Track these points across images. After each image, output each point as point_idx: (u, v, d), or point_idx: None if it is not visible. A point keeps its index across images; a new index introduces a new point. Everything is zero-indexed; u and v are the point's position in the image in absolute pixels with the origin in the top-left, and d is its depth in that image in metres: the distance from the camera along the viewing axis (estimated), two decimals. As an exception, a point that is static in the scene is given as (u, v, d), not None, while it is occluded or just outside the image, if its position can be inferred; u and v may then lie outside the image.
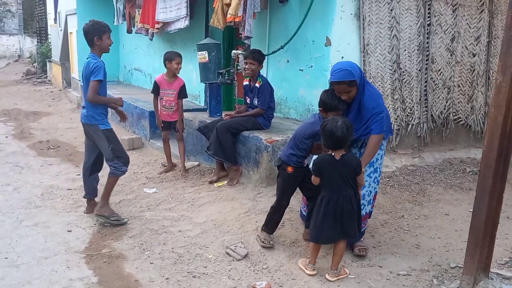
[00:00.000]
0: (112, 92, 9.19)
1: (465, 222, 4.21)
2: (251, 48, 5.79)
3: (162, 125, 5.75)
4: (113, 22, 9.81)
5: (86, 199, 4.61)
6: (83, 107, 4.40)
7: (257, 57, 5.04)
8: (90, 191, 4.57)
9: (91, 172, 4.53)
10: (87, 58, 4.26)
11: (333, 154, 3.19)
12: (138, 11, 8.52)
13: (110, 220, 4.26)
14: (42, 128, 9.02)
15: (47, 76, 16.69)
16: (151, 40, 8.57)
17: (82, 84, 4.64)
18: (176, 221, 4.33)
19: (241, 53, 5.57)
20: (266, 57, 6.00)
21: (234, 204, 4.57)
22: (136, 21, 8.63)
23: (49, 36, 16.94)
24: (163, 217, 4.43)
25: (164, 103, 5.66)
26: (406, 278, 3.30)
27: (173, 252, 3.74)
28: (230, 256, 3.63)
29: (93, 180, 4.58)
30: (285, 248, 3.73)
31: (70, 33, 11.95)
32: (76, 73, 11.74)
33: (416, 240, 3.97)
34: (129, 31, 9.25)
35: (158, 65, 9.38)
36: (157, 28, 7.81)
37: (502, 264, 3.45)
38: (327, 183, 3.23)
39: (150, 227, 4.23)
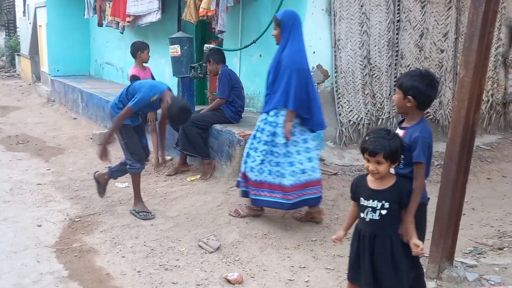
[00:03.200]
0: (83, 86, 9.05)
1: (433, 214, 4.32)
2: (220, 44, 5.83)
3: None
4: (84, 15, 9.66)
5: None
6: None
7: (211, 58, 5.12)
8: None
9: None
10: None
11: None
12: (109, 4, 8.39)
13: (138, 215, 4.26)
14: (11, 123, 8.80)
15: (15, 70, 16.27)
16: (122, 33, 8.46)
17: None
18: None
19: (215, 47, 5.57)
20: (239, 51, 6.03)
21: (207, 197, 4.58)
22: (107, 14, 8.51)
23: (17, 29, 16.51)
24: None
25: None
26: (374, 268, 3.39)
27: (145, 245, 3.74)
28: (203, 248, 3.65)
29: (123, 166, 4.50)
30: (257, 240, 3.77)
31: (40, 26, 11.67)
32: (45, 67, 11.49)
33: (384, 231, 4.06)
34: (100, 25, 9.09)
35: (130, 59, 9.21)
36: (128, 22, 7.71)
37: (467, 253, 3.57)
38: None
39: (122, 221, 4.20)
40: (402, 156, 2.45)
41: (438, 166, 5.63)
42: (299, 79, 3.69)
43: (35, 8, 11.94)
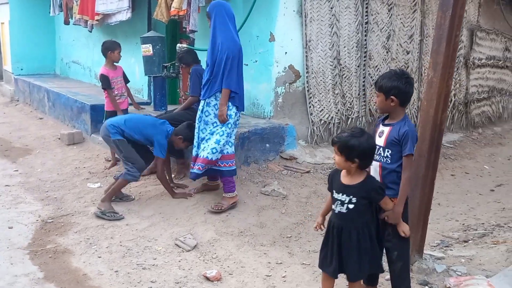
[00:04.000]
0: (49, 85, 8.85)
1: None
2: (192, 44, 5.85)
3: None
4: (49, 12, 9.44)
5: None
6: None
7: (183, 61, 5.16)
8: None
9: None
10: None
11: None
12: (76, 1, 8.23)
13: (106, 216, 4.21)
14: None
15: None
16: (91, 32, 8.32)
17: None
18: (123, 214, 4.29)
19: (187, 47, 5.57)
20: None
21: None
22: (74, 12, 8.35)
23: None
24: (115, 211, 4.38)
25: (116, 92, 5.54)
26: (348, 262, 3.50)
27: (121, 245, 3.73)
28: (180, 247, 3.68)
29: None
30: (233, 238, 3.82)
31: (2, 23, 11.33)
32: (8, 65, 11.16)
33: (356, 226, 4.20)
34: (67, 23, 8.91)
35: (98, 58, 9.11)
36: (97, 20, 7.60)
37: (434, 246, 3.74)
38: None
39: (96, 221, 4.16)
40: (389, 152, 2.62)
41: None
42: (238, 63, 4.14)
43: (-4, 5, 11.58)
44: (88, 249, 3.67)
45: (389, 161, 2.65)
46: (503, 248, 3.44)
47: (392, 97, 2.60)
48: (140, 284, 3.17)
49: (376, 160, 2.67)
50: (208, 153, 4.17)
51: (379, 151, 2.68)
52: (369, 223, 2.57)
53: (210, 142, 4.19)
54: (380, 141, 2.68)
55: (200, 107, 4.30)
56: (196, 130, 4.32)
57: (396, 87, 2.59)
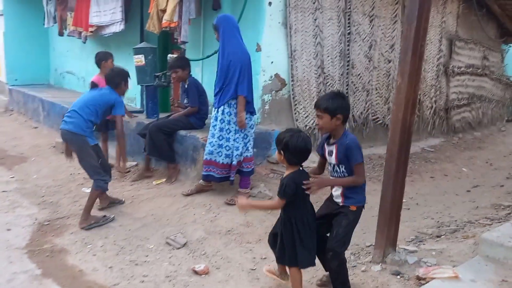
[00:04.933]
0: (44, 95, 9.07)
1: (377, 205, 4.76)
2: (183, 54, 6.09)
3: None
4: (43, 24, 9.70)
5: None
6: (68, 115, 4.42)
7: (177, 65, 5.35)
8: None
9: None
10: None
11: (301, 168, 2.95)
12: (70, 13, 8.51)
13: (101, 223, 4.34)
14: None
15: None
16: (84, 43, 8.58)
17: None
18: (117, 216, 4.52)
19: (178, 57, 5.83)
20: (201, 61, 6.32)
21: (173, 199, 4.83)
22: (68, 24, 8.61)
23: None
24: (103, 214, 4.59)
25: None
26: (328, 257, 3.75)
27: (115, 244, 3.95)
28: (170, 245, 3.91)
29: None
30: (221, 236, 4.05)
31: (-4, 34, 11.55)
32: (3, 75, 11.36)
33: (337, 225, 4.45)
34: (61, 34, 9.17)
35: (92, 68, 9.31)
36: (91, 32, 7.86)
37: (409, 241, 3.99)
38: (303, 202, 2.94)
39: (91, 223, 4.39)
40: (343, 167, 2.93)
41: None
42: (248, 71, 4.45)
43: (-9, 16, 11.80)
44: (83, 248, 3.89)
45: (347, 174, 2.94)
46: (471, 241, 3.69)
47: (338, 115, 2.86)
48: (133, 278, 3.40)
49: (336, 177, 3.00)
50: (235, 156, 4.58)
51: (335, 169, 2.99)
52: (292, 218, 2.91)
53: (233, 146, 4.57)
54: (332, 159, 2.98)
55: (214, 116, 4.61)
56: (213, 138, 4.61)
57: (340, 106, 2.88)
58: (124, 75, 4.73)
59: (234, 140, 4.58)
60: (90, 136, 4.41)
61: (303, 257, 2.93)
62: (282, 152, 2.86)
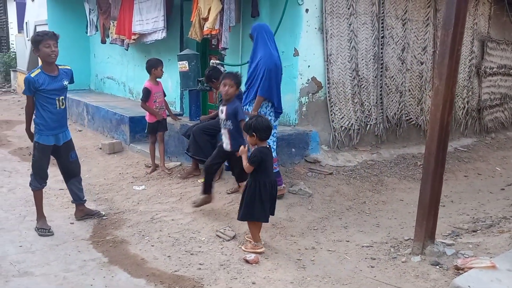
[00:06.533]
0: (87, 100, 9.56)
1: (417, 206, 4.97)
2: (224, 59, 6.41)
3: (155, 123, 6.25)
4: (85, 32, 10.21)
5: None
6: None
7: (212, 77, 5.67)
8: (73, 197, 4.84)
9: (65, 180, 4.87)
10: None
11: (268, 146, 3.96)
12: (113, 22, 8.96)
13: (38, 232, 4.37)
14: (18, 136, 9.23)
15: (10, 86, 16.66)
16: (127, 50, 9.02)
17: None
18: (168, 212, 4.87)
19: (220, 63, 6.16)
20: (239, 66, 6.64)
21: (218, 196, 5.14)
22: (111, 32, 9.07)
23: (11, 45, 16.92)
24: (156, 209, 4.96)
25: (157, 105, 6.21)
26: (368, 249, 4.00)
27: (169, 236, 4.29)
28: (220, 237, 4.22)
29: (72, 186, 4.84)
30: (266, 230, 4.34)
31: (40, 42, 12.15)
32: (47, 82, 11.93)
33: (376, 221, 4.70)
34: (103, 42, 9.66)
35: (132, 74, 9.84)
36: (134, 39, 8.28)
37: (446, 236, 4.20)
38: (267, 171, 3.89)
39: (145, 217, 4.75)
40: (230, 122, 4.63)
41: (421, 166, 6.29)
42: (271, 75, 4.75)
43: (35, 25, 12.46)
44: (141, 240, 4.24)
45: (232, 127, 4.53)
46: (507, 235, 3.88)
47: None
48: (191, 265, 3.72)
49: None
50: None
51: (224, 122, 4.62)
52: (257, 181, 3.88)
53: None
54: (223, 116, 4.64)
55: None
56: None
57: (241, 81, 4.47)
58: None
59: None
60: None
61: (260, 214, 3.85)
62: (254, 134, 3.78)
